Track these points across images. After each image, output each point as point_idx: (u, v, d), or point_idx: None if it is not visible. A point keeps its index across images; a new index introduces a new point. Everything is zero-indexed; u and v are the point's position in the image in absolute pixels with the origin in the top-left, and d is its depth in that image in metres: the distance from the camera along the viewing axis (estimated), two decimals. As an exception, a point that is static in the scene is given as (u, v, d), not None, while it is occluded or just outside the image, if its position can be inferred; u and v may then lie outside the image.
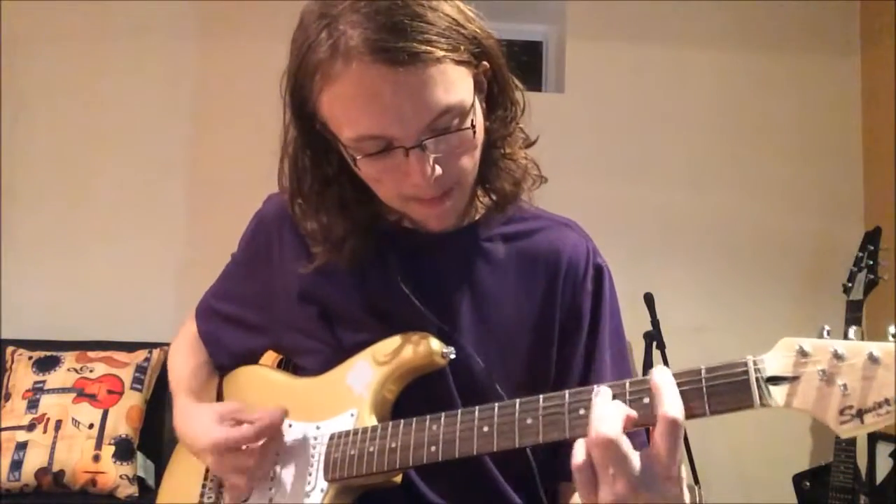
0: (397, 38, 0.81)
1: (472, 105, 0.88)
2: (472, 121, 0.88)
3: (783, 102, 3.14)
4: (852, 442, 2.38)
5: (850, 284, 2.49)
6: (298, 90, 0.88)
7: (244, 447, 0.99)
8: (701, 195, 3.09)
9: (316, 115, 0.89)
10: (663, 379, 0.74)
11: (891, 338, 0.66)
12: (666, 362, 2.67)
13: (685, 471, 0.79)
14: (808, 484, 2.56)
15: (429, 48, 0.82)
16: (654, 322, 2.69)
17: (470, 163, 0.92)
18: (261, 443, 0.99)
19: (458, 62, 0.85)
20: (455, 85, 0.85)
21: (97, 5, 3.00)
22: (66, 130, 2.99)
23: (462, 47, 0.85)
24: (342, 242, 0.99)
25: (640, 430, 0.79)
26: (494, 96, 0.95)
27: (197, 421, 1.04)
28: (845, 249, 2.64)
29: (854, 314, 2.45)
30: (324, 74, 0.84)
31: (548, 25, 3.37)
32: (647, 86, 3.14)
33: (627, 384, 0.78)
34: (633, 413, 0.75)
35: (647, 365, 2.65)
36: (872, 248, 2.51)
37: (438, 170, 0.87)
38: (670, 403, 0.72)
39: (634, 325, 2.62)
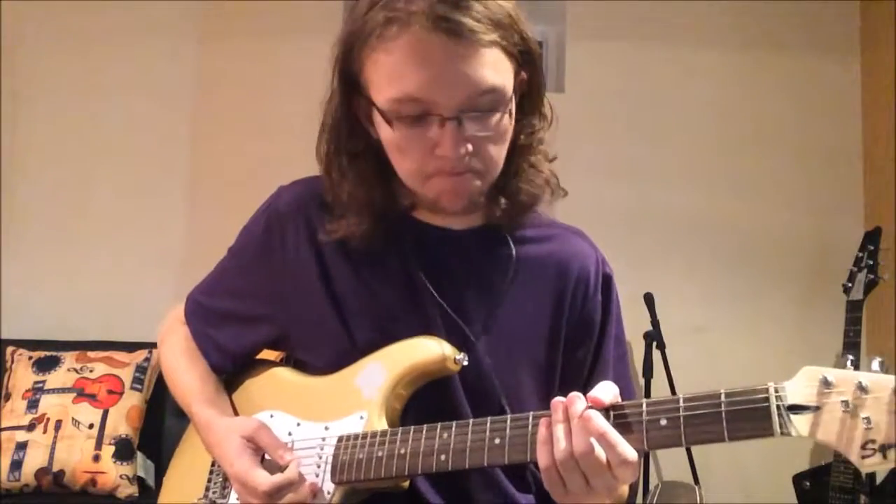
0: (460, 12, 0.86)
1: (511, 98, 0.92)
2: (510, 110, 0.93)
3: (783, 102, 3.14)
4: (852, 442, 2.37)
5: (850, 284, 2.49)
6: (348, 53, 0.93)
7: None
8: (701, 195, 3.08)
9: (359, 79, 0.93)
10: (603, 424, 0.78)
11: None
12: (666, 362, 2.68)
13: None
14: (808, 484, 2.56)
15: (486, 29, 0.87)
16: (654, 322, 2.70)
17: (498, 154, 0.95)
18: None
19: (508, 53, 0.90)
20: (501, 70, 0.90)
21: (97, 5, 2.99)
22: (66, 130, 2.98)
23: (514, 41, 0.91)
24: (361, 219, 1.00)
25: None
26: (527, 106, 0.99)
27: (225, 444, 1.02)
28: (845, 249, 2.64)
29: (854, 314, 2.46)
30: (379, 35, 0.89)
31: (548, 25, 3.37)
32: (647, 86, 3.13)
33: None
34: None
35: (647, 365, 2.65)
36: (872, 248, 2.51)
37: (469, 147, 0.90)
38: (623, 448, 0.77)
39: (634, 325, 2.63)
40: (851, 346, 2.45)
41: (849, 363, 0.70)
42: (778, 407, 0.71)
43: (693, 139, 3.12)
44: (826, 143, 3.13)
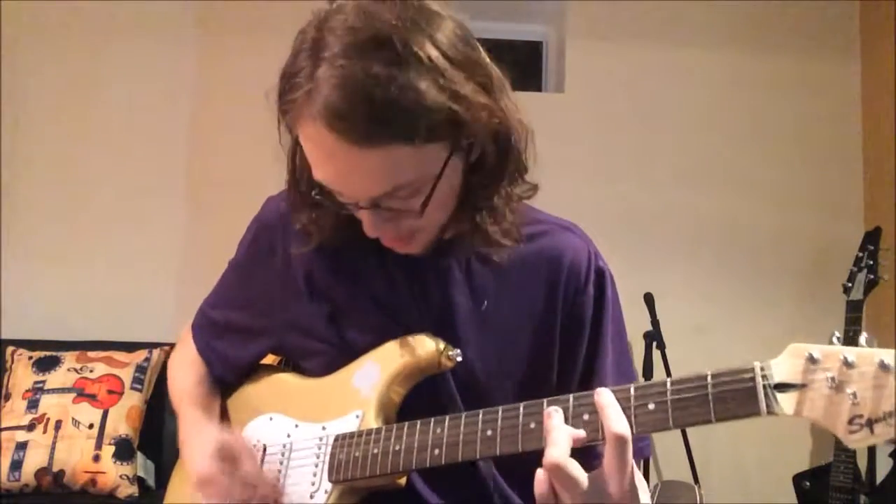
0: (357, 115, 0.80)
1: (437, 177, 0.87)
2: (427, 195, 0.87)
3: (783, 102, 3.14)
4: (853, 442, 2.37)
5: (850, 284, 2.49)
6: (284, 115, 0.89)
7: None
8: (701, 195, 3.08)
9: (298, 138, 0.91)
10: (607, 399, 0.77)
11: None
12: (666, 362, 2.68)
13: (641, 481, 0.81)
14: (808, 484, 2.56)
15: (388, 133, 0.81)
16: (654, 322, 2.70)
17: (430, 219, 0.92)
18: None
19: (424, 142, 0.83)
20: (411, 166, 0.85)
21: (97, 5, 3.00)
22: (66, 131, 2.98)
23: (430, 130, 0.83)
24: (333, 230, 0.99)
25: (593, 448, 0.82)
26: (478, 163, 0.92)
27: (197, 443, 1.02)
28: (845, 249, 2.64)
29: (854, 314, 2.45)
30: (295, 115, 0.85)
31: (548, 25, 3.37)
32: (647, 86, 3.14)
33: (571, 399, 0.81)
34: (582, 433, 0.78)
35: (647, 365, 2.65)
36: (872, 248, 2.51)
37: (389, 229, 0.90)
38: (616, 421, 0.75)
39: (634, 325, 2.61)
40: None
41: (835, 339, 0.69)
42: (764, 386, 0.70)
43: (693, 139, 3.12)
44: (826, 143, 3.14)
